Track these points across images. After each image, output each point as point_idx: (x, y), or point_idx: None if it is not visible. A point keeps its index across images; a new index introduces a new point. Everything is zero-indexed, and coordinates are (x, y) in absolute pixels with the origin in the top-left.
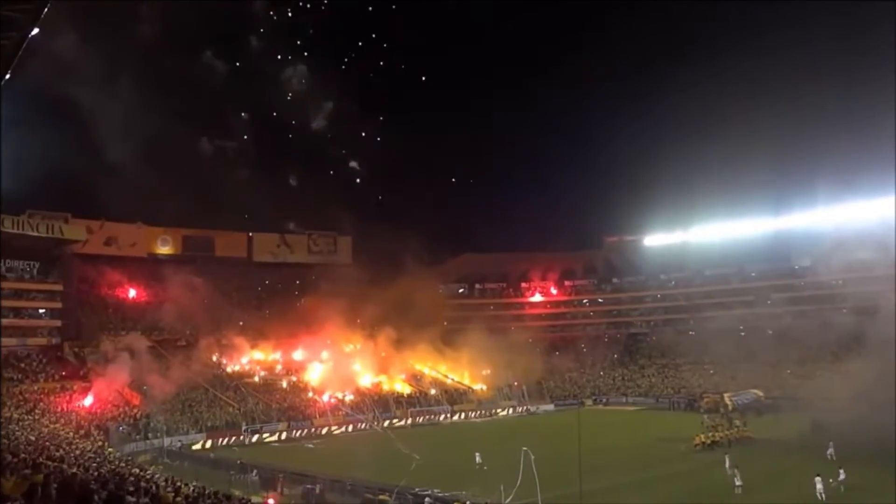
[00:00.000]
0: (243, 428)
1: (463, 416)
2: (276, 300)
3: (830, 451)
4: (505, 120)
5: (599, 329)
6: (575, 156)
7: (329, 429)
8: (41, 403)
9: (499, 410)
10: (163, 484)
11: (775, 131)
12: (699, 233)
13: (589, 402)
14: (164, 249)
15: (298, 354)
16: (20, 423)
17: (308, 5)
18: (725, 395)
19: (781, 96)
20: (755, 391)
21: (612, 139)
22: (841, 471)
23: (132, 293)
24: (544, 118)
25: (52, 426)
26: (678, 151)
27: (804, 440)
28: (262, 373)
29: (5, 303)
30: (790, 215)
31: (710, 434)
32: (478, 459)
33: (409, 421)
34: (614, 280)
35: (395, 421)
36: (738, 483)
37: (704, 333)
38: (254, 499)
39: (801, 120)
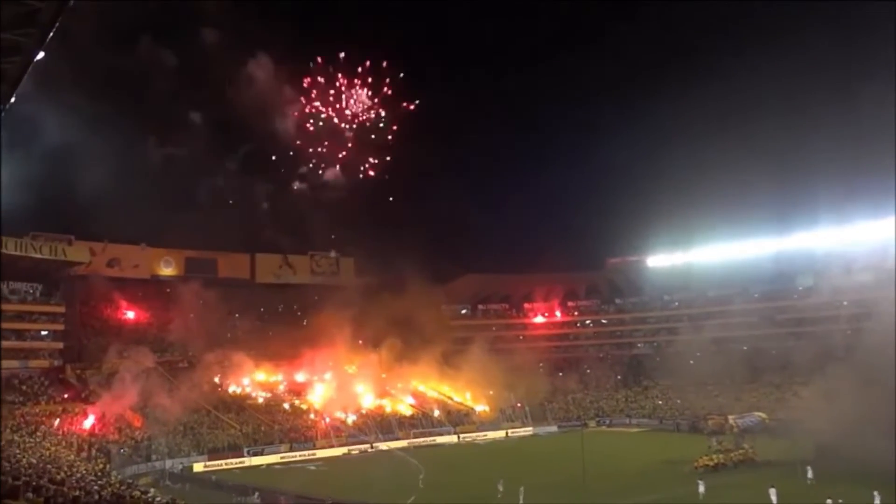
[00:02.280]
0: (245, 450)
1: (466, 437)
2: (278, 321)
3: (810, 475)
4: (507, 141)
5: (602, 350)
6: (577, 177)
7: (331, 451)
8: (42, 426)
9: (503, 432)
10: None
11: (778, 151)
12: (702, 253)
13: (592, 423)
14: (166, 271)
15: (301, 376)
16: (21, 446)
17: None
18: (730, 416)
19: (784, 116)
20: (759, 413)
21: (614, 160)
22: (875, 493)
23: (134, 315)
24: (546, 139)
25: (53, 449)
26: (680, 172)
27: (808, 463)
28: (265, 394)
29: (8, 325)
30: (793, 236)
31: (715, 456)
32: (500, 488)
33: (412, 442)
34: (617, 301)
35: (398, 442)
36: None
37: (708, 354)
38: None
39: (804, 139)
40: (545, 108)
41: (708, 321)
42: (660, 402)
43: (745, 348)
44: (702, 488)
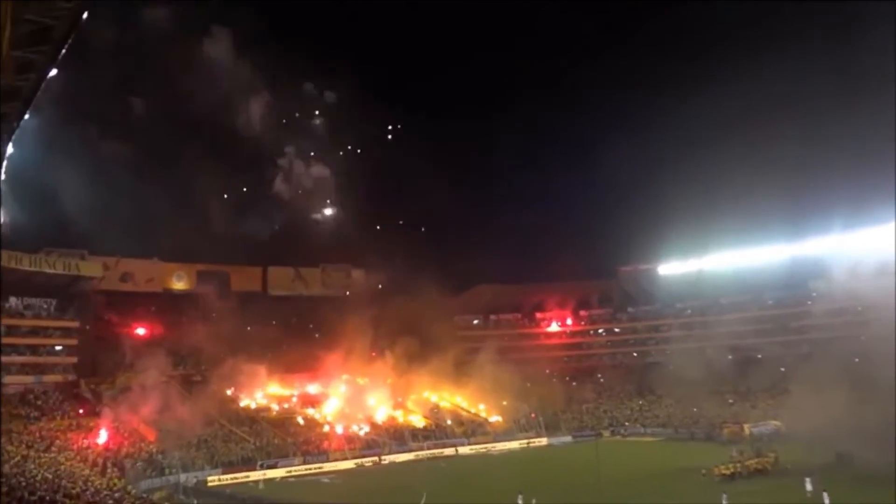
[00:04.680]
0: (259, 463)
1: (480, 448)
2: (291, 334)
3: (809, 487)
4: (518, 150)
5: (615, 359)
6: (588, 186)
7: (345, 463)
8: (58, 441)
9: (517, 443)
10: None
11: (790, 157)
12: (714, 261)
13: (606, 433)
14: (179, 285)
15: (314, 388)
16: (37, 461)
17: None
18: (745, 425)
19: (796, 121)
20: (774, 421)
21: (625, 168)
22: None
23: (147, 329)
24: (557, 148)
25: (68, 464)
26: (691, 179)
27: (828, 470)
28: (278, 407)
29: (22, 340)
30: (806, 241)
31: (732, 465)
32: (520, 502)
33: (425, 454)
34: (630, 309)
35: (411, 454)
36: None
37: (722, 362)
38: None
39: (816, 145)
40: (556, 116)
41: (721, 329)
42: (674, 411)
43: (759, 356)
44: (725, 502)
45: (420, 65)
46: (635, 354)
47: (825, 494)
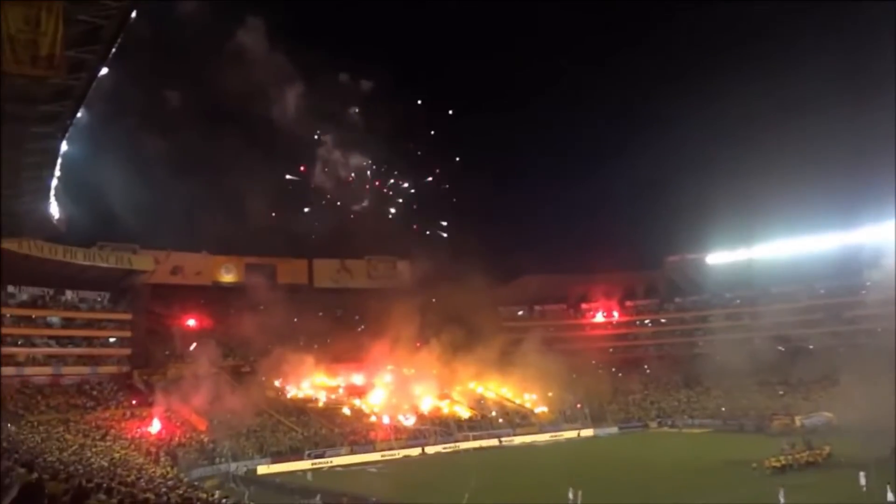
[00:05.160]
0: (306, 453)
1: (526, 439)
2: (337, 325)
3: (863, 482)
4: (563, 140)
5: (662, 350)
6: (634, 175)
7: (391, 453)
8: (113, 430)
9: (562, 433)
10: None
11: (841, 142)
12: (764, 250)
13: (654, 424)
14: (227, 277)
15: (360, 379)
16: (93, 449)
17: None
18: (797, 417)
19: (848, 106)
20: (826, 413)
21: (672, 156)
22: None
23: (197, 321)
24: (603, 137)
25: (123, 452)
26: (741, 166)
27: (883, 465)
28: (325, 397)
29: (78, 332)
30: (860, 229)
31: (783, 457)
32: (570, 496)
33: (471, 444)
34: (677, 300)
35: (457, 444)
36: None
37: (772, 353)
38: None
39: (868, 129)
40: (601, 104)
41: (771, 319)
42: (723, 402)
43: (810, 346)
44: (782, 498)
45: (464, 52)
46: (682, 345)
47: (888, 488)
